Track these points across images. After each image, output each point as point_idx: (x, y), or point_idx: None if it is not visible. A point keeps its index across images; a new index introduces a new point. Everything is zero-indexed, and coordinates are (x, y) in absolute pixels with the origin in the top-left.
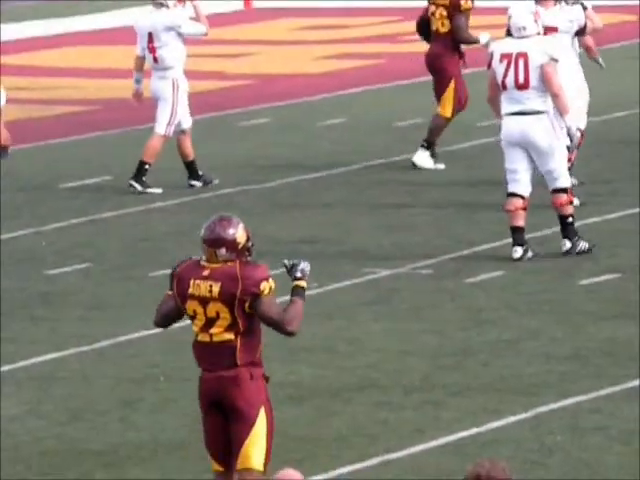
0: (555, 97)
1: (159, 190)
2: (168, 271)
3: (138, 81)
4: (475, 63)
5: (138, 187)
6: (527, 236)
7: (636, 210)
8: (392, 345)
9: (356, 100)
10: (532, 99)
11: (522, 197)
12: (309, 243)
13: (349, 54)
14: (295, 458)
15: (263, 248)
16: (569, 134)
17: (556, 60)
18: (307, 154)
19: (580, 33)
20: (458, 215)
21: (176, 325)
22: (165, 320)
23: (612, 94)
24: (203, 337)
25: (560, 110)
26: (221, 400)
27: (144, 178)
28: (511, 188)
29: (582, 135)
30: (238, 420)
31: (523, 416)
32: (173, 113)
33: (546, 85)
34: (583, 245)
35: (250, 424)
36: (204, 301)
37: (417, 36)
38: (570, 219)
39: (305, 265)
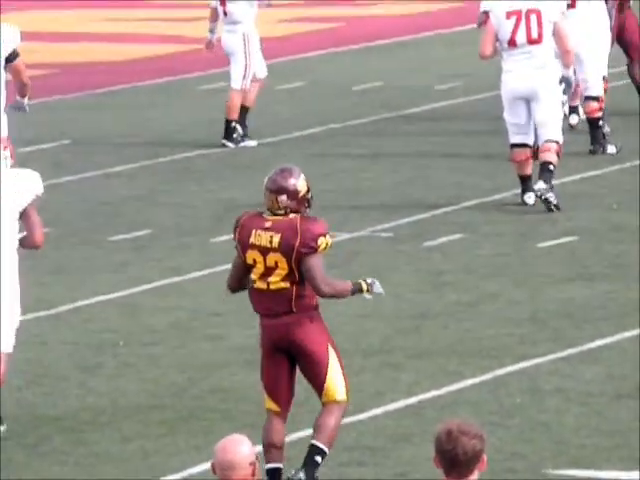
0: (567, 53)
1: (254, 142)
2: (127, 235)
3: (211, 31)
4: (423, 28)
5: (231, 145)
6: (485, 199)
7: (592, 173)
8: (351, 309)
9: (315, 64)
10: (542, 53)
11: (528, 146)
12: None
13: (307, 17)
14: (255, 422)
15: (221, 212)
16: (567, 82)
17: (564, 15)
18: (266, 118)
19: None
20: (417, 179)
21: (135, 289)
22: (239, 280)
23: None
24: (261, 284)
25: (566, 63)
26: (288, 345)
27: (234, 135)
28: (517, 139)
29: (606, 81)
30: (311, 362)
31: (482, 378)
32: (247, 66)
33: (559, 41)
34: (552, 196)
35: (325, 363)
36: (264, 251)
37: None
38: (551, 167)
39: (377, 287)
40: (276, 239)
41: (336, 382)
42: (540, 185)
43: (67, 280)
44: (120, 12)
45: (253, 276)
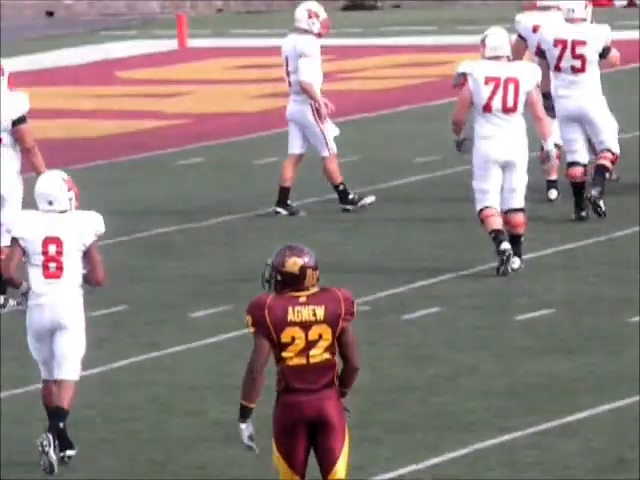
0: (540, 120)
1: (372, 198)
2: (106, 311)
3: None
4: (399, 102)
5: (350, 207)
6: (464, 272)
7: (570, 245)
8: None
9: None
10: (515, 122)
11: (495, 208)
12: (246, 281)
13: (284, 93)
14: None
15: (200, 288)
16: (548, 156)
17: (538, 85)
18: (243, 193)
19: (604, 54)
20: (395, 252)
21: (112, 365)
22: (266, 363)
23: None
24: (299, 360)
25: (543, 133)
26: (318, 419)
27: (350, 196)
28: (486, 203)
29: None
30: (335, 437)
31: (461, 452)
32: (324, 131)
33: (532, 108)
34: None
35: (343, 439)
36: (307, 325)
37: (350, 74)
38: (522, 238)
39: None
40: (320, 311)
41: (345, 462)
42: (516, 264)
43: None
44: (96, 89)
45: (288, 354)
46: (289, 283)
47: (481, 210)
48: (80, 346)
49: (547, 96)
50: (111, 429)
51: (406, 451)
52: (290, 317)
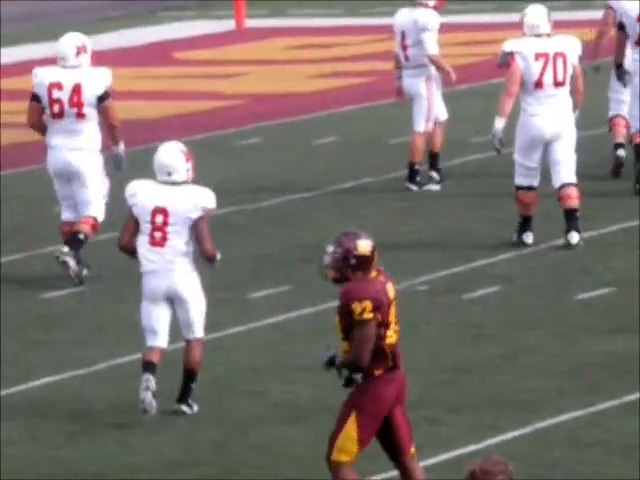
0: (579, 93)
1: (437, 187)
2: None
3: (399, 77)
4: (457, 81)
5: (414, 188)
6: (523, 251)
7: (631, 223)
8: None
9: (348, 118)
10: (562, 96)
11: (534, 189)
12: (305, 262)
13: (341, 72)
14: (292, 478)
15: (260, 268)
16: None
17: (581, 58)
18: (300, 173)
19: None
20: (454, 231)
21: (172, 346)
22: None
23: None
24: (395, 337)
25: (578, 104)
26: (404, 394)
27: (418, 178)
28: (525, 182)
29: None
30: (404, 415)
31: (522, 432)
32: (430, 109)
33: (575, 82)
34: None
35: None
36: (392, 304)
37: None
38: (578, 213)
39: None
40: (393, 289)
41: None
42: (575, 239)
43: (105, 337)
44: (154, 70)
45: (389, 332)
46: (362, 266)
47: (519, 189)
48: (197, 307)
49: (620, 66)
50: (171, 409)
51: (466, 431)
52: (391, 296)
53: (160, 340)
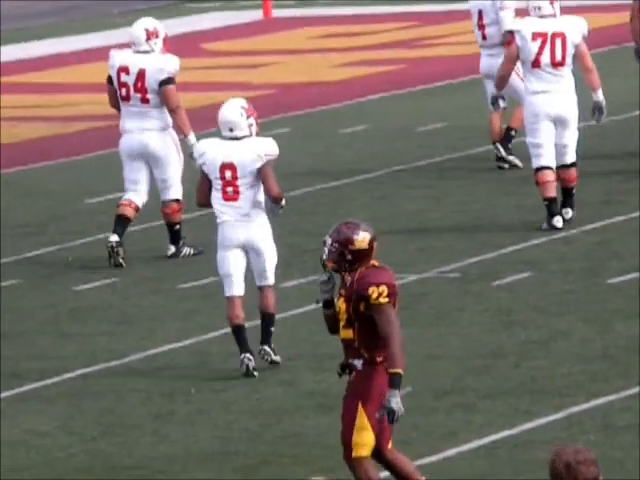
0: (589, 72)
1: (519, 163)
2: (196, 283)
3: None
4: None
5: (502, 151)
6: (553, 236)
7: None
8: (421, 350)
9: (377, 107)
10: (564, 77)
11: (552, 168)
12: None
13: (368, 61)
14: (327, 466)
15: (288, 257)
16: (600, 107)
17: (585, 37)
18: (329, 162)
19: None
20: (483, 218)
21: (205, 337)
22: None
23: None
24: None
25: (593, 84)
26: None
27: (509, 145)
28: (542, 162)
29: None
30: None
31: (555, 417)
32: (521, 85)
33: (581, 60)
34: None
35: None
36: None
37: (435, 40)
38: (574, 190)
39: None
40: None
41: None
42: (569, 214)
43: (137, 329)
44: (182, 61)
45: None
46: (359, 259)
47: (537, 170)
48: (271, 257)
49: None
50: (206, 400)
51: (499, 417)
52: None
53: (236, 288)
